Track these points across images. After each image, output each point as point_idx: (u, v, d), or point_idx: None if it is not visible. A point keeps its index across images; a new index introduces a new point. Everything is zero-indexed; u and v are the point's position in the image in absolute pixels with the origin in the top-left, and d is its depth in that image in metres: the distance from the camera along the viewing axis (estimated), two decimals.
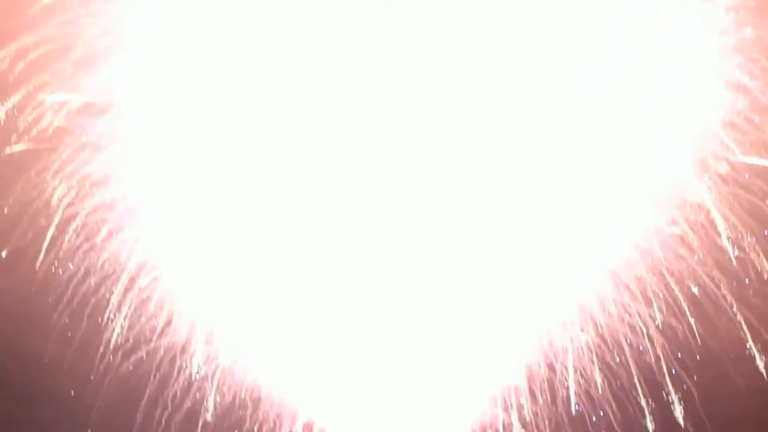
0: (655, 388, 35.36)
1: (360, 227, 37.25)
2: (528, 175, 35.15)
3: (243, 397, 38.32)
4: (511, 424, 39.65)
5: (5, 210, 32.95)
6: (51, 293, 34.16)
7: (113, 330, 33.80)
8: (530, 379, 39.21)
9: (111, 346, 34.09)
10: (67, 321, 34.25)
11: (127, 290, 33.18)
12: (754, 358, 34.67)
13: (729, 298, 33.64)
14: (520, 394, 39.35)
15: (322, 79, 33.33)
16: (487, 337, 36.70)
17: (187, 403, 37.25)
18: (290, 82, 35.10)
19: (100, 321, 34.37)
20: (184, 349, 35.80)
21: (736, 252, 32.58)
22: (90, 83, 34.92)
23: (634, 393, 36.05)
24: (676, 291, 33.69)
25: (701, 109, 32.72)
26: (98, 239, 34.48)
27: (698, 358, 32.70)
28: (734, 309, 33.28)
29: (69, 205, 34.50)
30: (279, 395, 39.04)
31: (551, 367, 38.32)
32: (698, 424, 36.25)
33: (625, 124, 32.68)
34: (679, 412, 36.24)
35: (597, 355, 36.26)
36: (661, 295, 33.33)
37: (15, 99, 32.49)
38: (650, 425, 36.73)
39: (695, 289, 33.31)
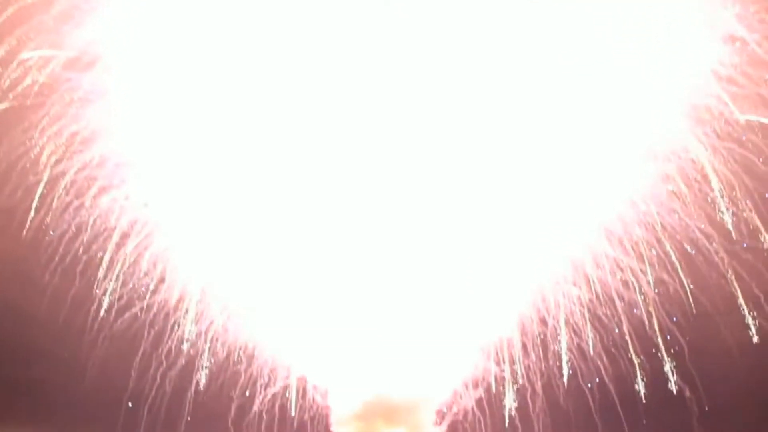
0: (645, 343, 35.75)
1: (354, 185, 37.01)
2: (523, 131, 34.92)
3: (237, 353, 38.53)
4: (503, 378, 40.06)
5: None
6: (42, 252, 34.00)
7: (106, 288, 33.86)
8: (523, 334, 39.58)
9: (104, 304, 34.15)
10: (59, 280, 34.14)
11: (119, 248, 33.14)
12: (743, 314, 34.99)
13: (721, 253, 33.86)
14: (512, 348, 39.74)
15: (317, 57, 32.71)
16: (481, 292, 36.98)
17: (182, 360, 37.43)
18: (278, 49, 34.34)
19: (92, 279, 34.34)
20: (177, 306, 35.92)
21: (729, 208, 32.67)
22: (74, 37, 34.01)
23: (625, 348, 36.45)
24: (669, 247, 33.89)
25: (697, 63, 32.41)
26: (88, 197, 34.25)
27: (689, 314, 33.12)
28: (726, 265, 33.49)
29: (57, 162, 34.09)
30: (273, 351, 39.35)
31: (544, 322, 38.62)
32: (687, 377, 36.76)
33: (619, 79, 32.43)
34: (668, 366, 36.75)
35: (589, 310, 36.56)
36: (653, 251, 33.57)
37: None
38: (640, 379, 37.15)
39: (687, 245, 33.43)
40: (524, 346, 38.85)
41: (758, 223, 33.86)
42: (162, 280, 36.23)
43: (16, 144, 33.09)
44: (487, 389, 40.17)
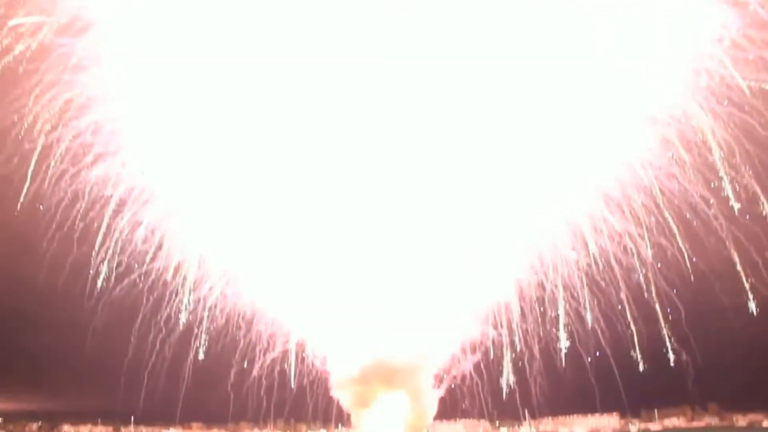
0: (642, 306, 36.06)
1: (352, 153, 36.64)
2: (524, 96, 34.50)
3: (236, 319, 38.73)
4: (501, 342, 40.40)
5: None
6: (40, 220, 33.99)
7: (105, 254, 33.91)
8: (521, 299, 39.73)
9: (103, 272, 34.25)
10: (57, 247, 34.16)
11: (116, 215, 33.15)
12: (740, 278, 35.18)
13: (720, 219, 33.84)
14: (510, 313, 39.93)
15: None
16: (479, 256, 37.00)
17: (181, 326, 37.70)
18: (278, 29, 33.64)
19: (90, 246, 34.38)
20: (176, 273, 35.99)
21: (729, 173, 32.58)
22: (66, 2, 33.35)
23: (622, 311, 36.73)
24: (667, 212, 33.93)
25: (699, 27, 31.90)
26: (84, 164, 34.04)
27: (686, 277, 33.36)
28: (724, 230, 33.50)
29: (52, 129, 33.89)
30: (272, 317, 39.50)
31: (542, 287, 38.77)
32: (683, 340, 37.06)
33: (619, 41, 31.97)
34: (665, 329, 37.05)
35: (587, 274, 36.70)
36: (651, 215, 33.58)
37: None
38: (637, 342, 37.48)
39: (686, 211, 33.47)
40: (522, 311, 39.39)
41: (757, 189, 34.04)
42: (160, 247, 36.63)
43: (10, 111, 33.08)
44: (485, 353, 40.81)
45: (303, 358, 44.05)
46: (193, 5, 33.23)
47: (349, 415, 50.24)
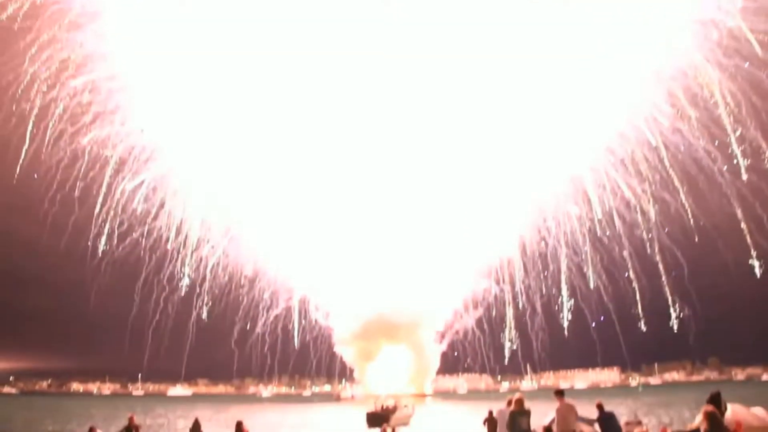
0: (645, 262, 35.85)
1: (357, 106, 35.90)
2: (529, 49, 33.67)
3: (239, 276, 38.70)
4: (503, 298, 40.41)
5: None
6: (40, 180, 33.54)
7: (106, 214, 33.67)
8: (523, 254, 39.55)
9: (105, 231, 34.04)
10: (59, 208, 33.85)
11: (117, 174, 32.74)
12: (744, 233, 34.81)
13: (724, 173, 33.31)
14: (513, 268, 39.82)
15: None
16: (482, 212, 36.71)
17: (184, 284, 37.63)
18: None
19: (92, 206, 34.08)
20: (178, 231, 35.79)
21: (734, 127, 31.94)
22: None
23: (625, 267, 36.54)
24: (671, 166, 33.38)
25: None
26: (83, 123, 33.52)
27: (689, 233, 33.13)
28: (728, 184, 33.00)
29: (49, 88, 33.19)
30: (274, 274, 39.42)
31: (544, 242, 38.53)
32: (685, 296, 36.95)
33: None
34: (667, 285, 36.92)
35: (589, 230, 36.46)
36: (655, 171, 33.07)
37: None
38: (639, 298, 37.41)
39: (690, 165, 32.97)
40: (525, 267, 39.50)
41: (763, 143, 33.62)
42: (162, 206, 36.48)
43: (5, 71, 32.61)
44: (488, 309, 41.08)
45: (306, 315, 44.58)
46: None
47: (352, 371, 51.08)
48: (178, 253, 38.52)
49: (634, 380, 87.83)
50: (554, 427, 5.41)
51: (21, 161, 35.45)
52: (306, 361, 45.92)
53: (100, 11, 33.36)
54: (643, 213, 36.92)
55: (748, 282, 40.93)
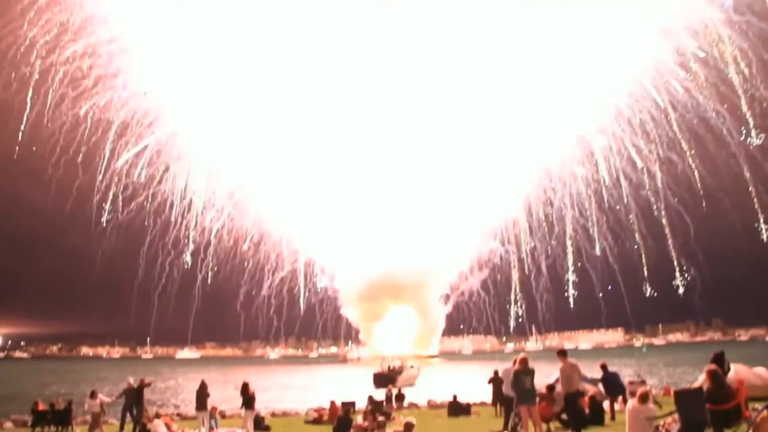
0: (651, 223, 35.75)
1: (364, 71, 35.52)
2: (535, 10, 33.02)
3: (244, 239, 38.77)
4: (509, 260, 40.42)
5: None
6: (43, 145, 33.37)
7: (110, 179, 33.61)
8: (529, 215, 39.41)
9: (110, 195, 34.04)
10: (63, 172, 33.78)
11: (120, 138, 32.57)
12: (751, 194, 34.54)
13: (733, 132, 32.90)
14: (518, 228, 39.77)
15: None
16: (488, 172, 36.45)
17: (190, 248, 37.73)
18: None
19: (96, 170, 34.00)
20: (183, 195, 35.76)
21: (744, 85, 31.39)
22: None
23: (631, 227, 36.41)
24: (678, 126, 32.96)
25: None
26: (84, 87, 33.22)
27: (696, 193, 32.91)
28: (737, 145, 32.57)
29: (49, 52, 32.82)
30: (280, 236, 39.46)
31: (550, 203, 38.38)
32: (691, 256, 36.90)
33: None
34: (673, 245, 36.86)
35: (595, 191, 36.23)
36: (663, 130, 32.70)
37: None
38: (644, 259, 37.36)
39: (698, 124, 32.53)
40: (530, 228, 39.49)
41: None
42: (167, 169, 36.39)
43: (4, 34, 32.18)
44: (493, 270, 41.24)
45: (312, 277, 44.86)
46: None
47: (358, 332, 51.54)
48: (183, 217, 38.67)
49: (638, 341, 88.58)
50: (558, 387, 5.47)
51: (23, 126, 35.42)
52: (312, 323, 46.44)
53: None
54: (650, 174, 36.74)
55: (754, 244, 40.95)
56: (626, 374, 10.57)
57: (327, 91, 37.66)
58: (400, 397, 10.47)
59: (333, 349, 78.94)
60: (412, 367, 21.42)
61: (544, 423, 5.14)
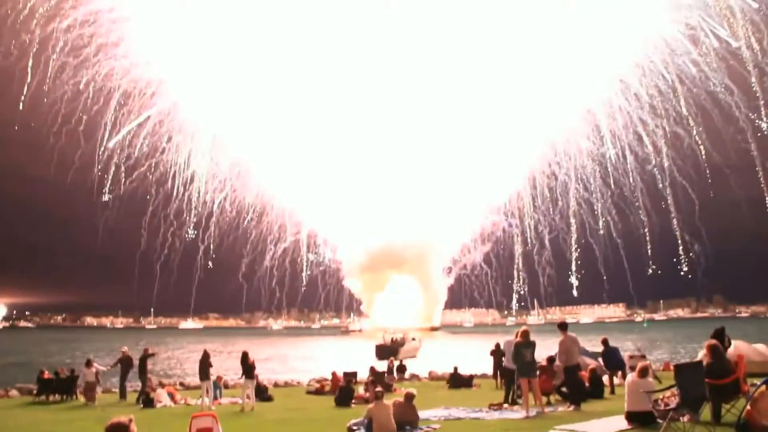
0: (655, 198, 35.62)
1: (367, 31, 35.22)
2: None
3: (247, 210, 38.75)
4: (511, 232, 40.32)
5: None
6: (45, 115, 33.20)
7: (113, 148, 33.47)
8: (532, 188, 39.25)
9: (112, 165, 33.98)
10: (64, 142, 33.66)
11: (122, 107, 32.39)
12: (757, 170, 34.25)
13: (741, 107, 32.49)
14: (522, 201, 39.59)
15: None
16: (492, 143, 36.23)
17: (193, 218, 37.77)
18: None
19: (98, 140, 33.86)
20: (186, 166, 35.64)
21: (754, 58, 30.91)
22: None
23: (635, 202, 36.28)
24: (685, 100, 32.59)
25: None
26: (86, 55, 32.91)
27: (701, 169, 32.69)
28: (744, 120, 32.23)
29: (50, 20, 32.45)
30: (282, 207, 39.39)
31: (554, 176, 38.16)
32: (695, 232, 36.83)
33: None
34: (677, 221, 36.74)
35: (600, 164, 36.04)
36: (669, 104, 32.37)
37: None
38: (648, 234, 37.25)
39: (705, 98, 32.18)
40: (534, 201, 39.39)
41: None
42: (169, 139, 36.26)
43: (3, 1, 31.74)
44: (496, 243, 41.28)
45: (314, 248, 44.96)
46: None
47: (360, 303, 51.75)
48: (186, 188, 38.62)
49: (639, 316, 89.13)
50: (558, 359, 5.52)
51: (24, 95, 35.21)
52: (314, 294, 46.69)
53: None
54: (656, 149, 36.48)
55: (759, 221, 40.80)
56: (627, 349, 10.67)
57: (332, 63, 37.45)
58: (402, 369, 10.60)
59: (335, 321, 79.52)
60: (413, 339, 21.62)
61: (543, 396, 5.20)
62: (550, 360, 6.00)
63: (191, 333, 62.11)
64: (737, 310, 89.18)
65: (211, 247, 41.54)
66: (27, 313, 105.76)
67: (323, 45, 37.15)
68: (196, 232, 40.61)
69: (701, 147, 36.27)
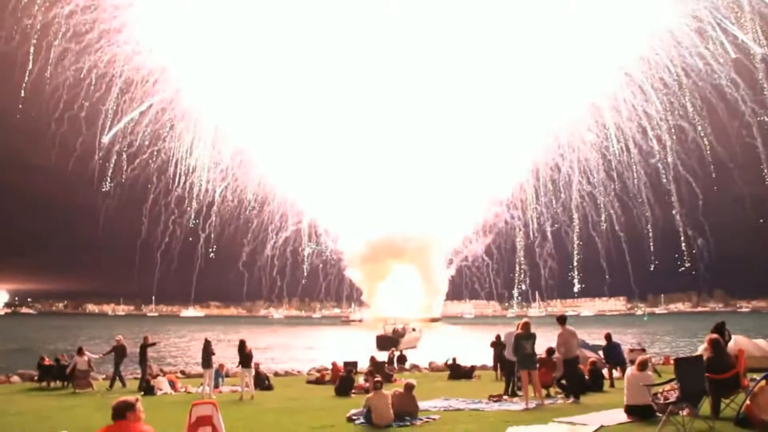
0: (659, 192, 35.44)
1: (371, 24, 35.10)
2: None
3: (248, 199, 38.71)
4: (513, 224, 40.19)
5: None
6: (47, 101, 33.09)
7: (114, 135, 33.39)
8: (535, 180, 39.10)
9: (113, 152, 33.91)
10: (66, 129, 33.56)
11: (124, 94, 32.26)
12: (762, 165, 34.07)
13: (747, 101, 32.26)
14: (524, 193, 39.47)
15: None
16: (495, 135, 36.09)
17: (194, 206, 37.70)
18: None
19: (100, 127, 33.77)
20: (187, 154, 35.54)
21: (762, 51, 30.64)
22: None
23: (638, 196, 36.12)
24: (690, 93, 32.37)
25: None
26: (88, 41, 32.76)
27: (705, 163, 32.51)
28: (750, 114, 31.99)
29: (51, 5, 32.28)
30: (284, 196, 39.32)
31: (557, 169, 38.04)
32: (698, 228, 36.67)
33: None
34: (680, 216, 36.60)
35: (603, 157, 35.87)
36: (674, 97, 32.18)
37: None
38: (651, 228, 37.16)
39: (711, 92, 31.98)
40: (536, 193, 39.30)
41: None
42: (172, 127, 36.19)
43: None
44: (497, 235, 41.27)
45: (315, 238, 44.97)
46: None
47: (360, 293, 51.79)
48: (187, 176, 38.59)
49: (640, 310, 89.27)
50: (557, 352, 5.53)
51: (26, 82, 35.10)
52: (315, 284, 46.89)
53: None
54: (660, 142, 36.34)
55: (762, 217, 40.67)
56: (627, 343, 10.70)
57: (334, 52, 37.34)
58: (402, 359, 10.65)
59: (336, 311, 79.72)
60: (414, 329, 21.69)
61: (543, 388, 5.22)
62: (549, 351, 6.01)
63: (193, 321, 62.35)
64: (738, 305, 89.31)
65: (212, 235, 41.68)
66: (29, 299, 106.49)
67: (327, 35, 37.13)
68: (197, 220, 40.78)
69: (706, 141, 36.22)
